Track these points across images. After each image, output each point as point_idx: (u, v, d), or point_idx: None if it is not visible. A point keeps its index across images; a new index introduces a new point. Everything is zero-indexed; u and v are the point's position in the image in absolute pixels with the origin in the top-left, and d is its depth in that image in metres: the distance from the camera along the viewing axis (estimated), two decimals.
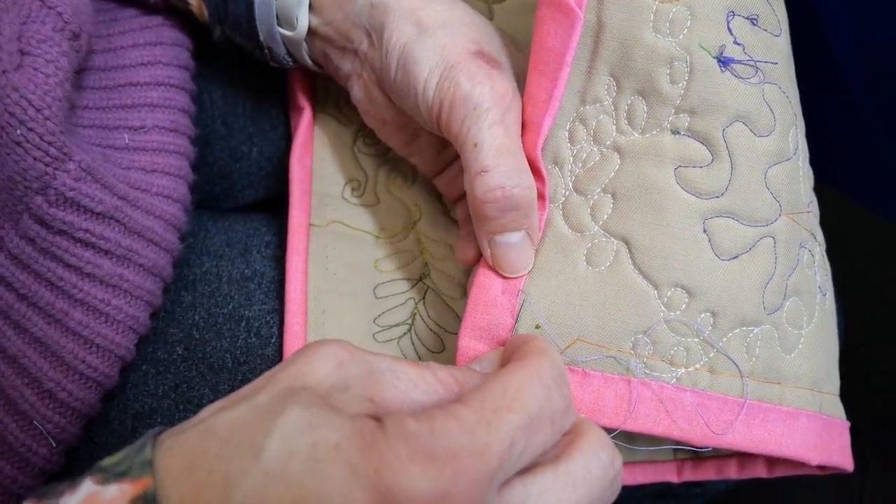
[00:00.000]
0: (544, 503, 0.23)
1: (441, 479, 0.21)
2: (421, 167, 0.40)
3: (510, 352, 0.29)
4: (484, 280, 0.33)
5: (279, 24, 0.38)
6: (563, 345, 0.32)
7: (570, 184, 0.34)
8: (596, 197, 0.33)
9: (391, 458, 0.21)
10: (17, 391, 0.33)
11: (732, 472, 0.38)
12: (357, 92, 0.38)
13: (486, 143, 0.31)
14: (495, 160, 0.31)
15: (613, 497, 0.26)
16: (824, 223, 0.37)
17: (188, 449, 0.22)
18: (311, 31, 0.38)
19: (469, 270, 0.39)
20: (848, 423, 0.35)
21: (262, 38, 0.38)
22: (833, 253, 0.39)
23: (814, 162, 0.37)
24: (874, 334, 0.77)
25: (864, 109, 0.56)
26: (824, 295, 0.35)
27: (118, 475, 0.22)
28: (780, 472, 0.36)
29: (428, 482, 0.21)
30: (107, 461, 0.23)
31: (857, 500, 0.55)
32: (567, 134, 0.34)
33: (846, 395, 0.37)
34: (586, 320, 0.32)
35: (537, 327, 0.32)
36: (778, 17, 0.34)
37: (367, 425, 0.22)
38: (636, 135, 0.33)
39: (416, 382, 0.25)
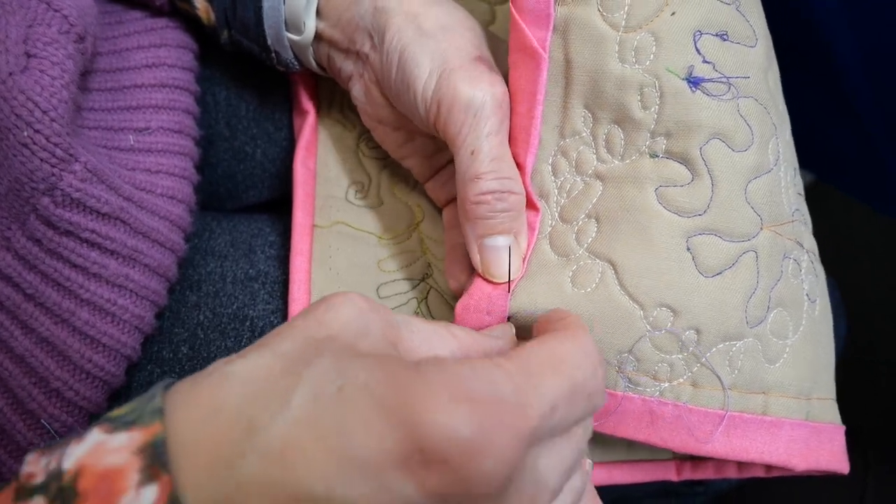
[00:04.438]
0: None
1: (480, 423, 0.19)
2: (413, 170, 0.41)
3: (545, 323, 0.28)
4: (469, 302, 0.33)
5: (287, 30, 0.38)
6: None
7: (557, 214, 0.34)
8: (580, 222, 0.34)
9: (425, 392, 0.20)
10: (25, 390, 0.34)
11: (731, 471, 0.38)
12: (357, 91, 0.39)
13: (482, 152, 0.32)
14: (489, 166, 0.32)
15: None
16: (828, 223, 0.37)
17: (207, 395, 0.21)
18: (317, 35, 0.38)
19: (469, 269, 0.39)
20: (842, 428, 0.35)
21: (269, 42, 0.39)
22: (838, 254, 0.39)
23: (820, 164, 0.37)
24: (879, 335, 0.76)
25: (866, 110, 0.56)
26: (813, 302, 0.35)
27: (126, 424, 0.21)
28: (777, 472, 0.36)
29: (466, 425, 0.19)
30: (115, 412, 0.22)
31: (859, 500, 0.55)
32: (550, 168, 0.35)
33: (850, 397, 0.37)
34: None
35: None
36: (753, 27, 0.34)
37: (399, 362, 0.21)
38: (616, 161, 0.33)
39: (431, 336, 0.25)
